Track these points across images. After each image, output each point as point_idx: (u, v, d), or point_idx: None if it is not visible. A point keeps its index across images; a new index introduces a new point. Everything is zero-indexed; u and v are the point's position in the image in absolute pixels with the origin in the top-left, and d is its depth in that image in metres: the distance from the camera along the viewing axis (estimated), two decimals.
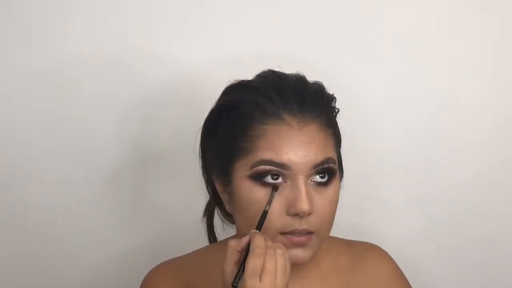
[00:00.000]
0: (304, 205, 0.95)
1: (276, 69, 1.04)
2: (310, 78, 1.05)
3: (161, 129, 1.41)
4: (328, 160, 0.98)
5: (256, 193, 0.97)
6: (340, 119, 1.07)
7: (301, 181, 0.96)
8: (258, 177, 0.97)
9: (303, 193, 0.95)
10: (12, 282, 1.43)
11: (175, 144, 1.40)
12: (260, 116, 0.98)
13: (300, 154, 0.96)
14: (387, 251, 1.16)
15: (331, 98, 1.05)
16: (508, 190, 1.46)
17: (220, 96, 1.06)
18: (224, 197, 1.04)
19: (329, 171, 0.98)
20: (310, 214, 0.96)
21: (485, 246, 1.47)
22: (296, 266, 1.00)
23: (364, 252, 1.13)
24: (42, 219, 1.41)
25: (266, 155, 0.96)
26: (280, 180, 0.96)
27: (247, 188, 0.97)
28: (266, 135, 0.97)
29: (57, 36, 1.36)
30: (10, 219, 1.41)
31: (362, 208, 1.42)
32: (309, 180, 0.97)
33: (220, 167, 1.02)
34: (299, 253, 0.98)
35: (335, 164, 0.99)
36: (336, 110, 1.06)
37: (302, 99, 0.99)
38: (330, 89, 1.05)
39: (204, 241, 1.16)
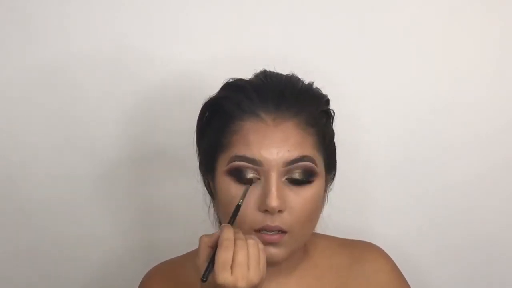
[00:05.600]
0: (273, 201, 0.95)
1: (271, 68, 1.06)
2: (309, 79, 1.06)
3: (161, 128, 1.41)
4: (303, 158, 0.97)
5: (232, 189, 0.98)
6: (337, 120, 1.07)
7: (273, 177, 0.96)
8: (234, 173, 0.98)
9: (273, 189, 0.95)
10: (12, 279, 1.43)
11: (176, 143, 1.40)
12: (238, 113, 0.99)
13: (273, 151, 0.96)
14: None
15: (318, 98, 1.05)
16: (508, 190, 1.45)
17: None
18: (212, 194, 1.06)
19: (307, 170, 0.98)
20: (280, 211, 0.96)
21: (485, 246, 1.47)
22: (289, 266, 1.03)
23: (362, 251, 1.12)
24: (41, 217, 1.42)
25: (240, 151, 0.97)
26: (253, 175, 0.97)
27: (225, 183, 0.99)
28: (242, 131, 0.98)
29: (57, 36, 1.36)
30: (10, 217, 1.41)
31: (356, 209, 1.42)
32: (284, 177, 0.97)
33: (207, 163, 1.04)
34: (272, 251, 0.98)
35: (314, 163, 0.99)
36: (330, 112, 1.06)
37: (280, 97, 0.99)
38: (323, 88, 1.06)
39: None
